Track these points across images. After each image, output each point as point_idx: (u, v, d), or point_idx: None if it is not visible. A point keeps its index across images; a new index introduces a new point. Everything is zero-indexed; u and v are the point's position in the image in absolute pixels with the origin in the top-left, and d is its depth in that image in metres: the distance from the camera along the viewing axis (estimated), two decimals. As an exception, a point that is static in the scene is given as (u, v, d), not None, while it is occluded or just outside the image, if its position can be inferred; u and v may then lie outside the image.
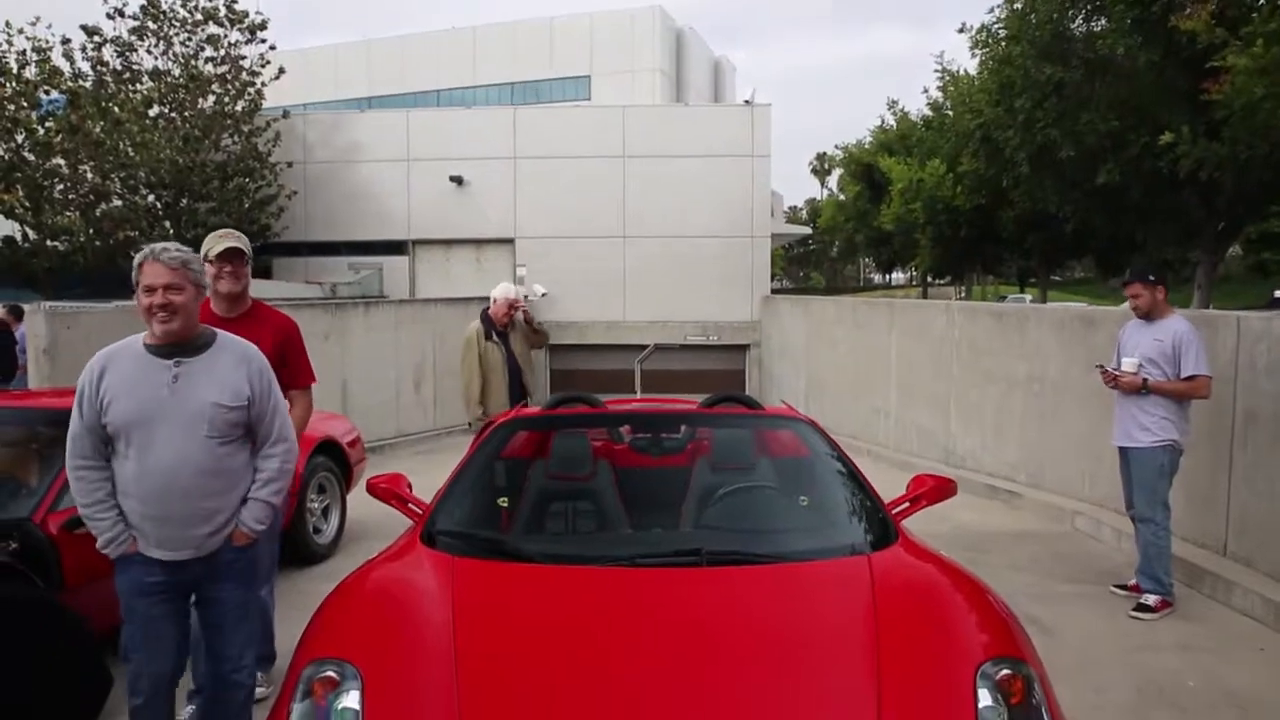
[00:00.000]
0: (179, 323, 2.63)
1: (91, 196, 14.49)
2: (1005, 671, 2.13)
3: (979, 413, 8.23)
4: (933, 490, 3.28)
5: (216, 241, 3.53)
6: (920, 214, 27.63)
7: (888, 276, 68.49)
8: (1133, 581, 5.13)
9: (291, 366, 3.67)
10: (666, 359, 12.44)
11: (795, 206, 68.33)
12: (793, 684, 2.15)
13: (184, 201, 15.35)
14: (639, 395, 8.92)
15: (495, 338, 6.54)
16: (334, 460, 5.95)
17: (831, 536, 2.98)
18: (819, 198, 64.54)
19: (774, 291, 17.35)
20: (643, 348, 10.73)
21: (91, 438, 2.62)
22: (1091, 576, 5.46)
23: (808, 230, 39.46)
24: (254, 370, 2.77)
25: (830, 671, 2.20)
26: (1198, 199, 14.41)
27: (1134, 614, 4.83)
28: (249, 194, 16.06)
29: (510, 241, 16.11)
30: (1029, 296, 8.30)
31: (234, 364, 2.74)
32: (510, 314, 6.63)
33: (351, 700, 2.05)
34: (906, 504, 3.29)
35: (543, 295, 6.65)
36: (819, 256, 69.36)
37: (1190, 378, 4.75)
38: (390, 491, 3.29)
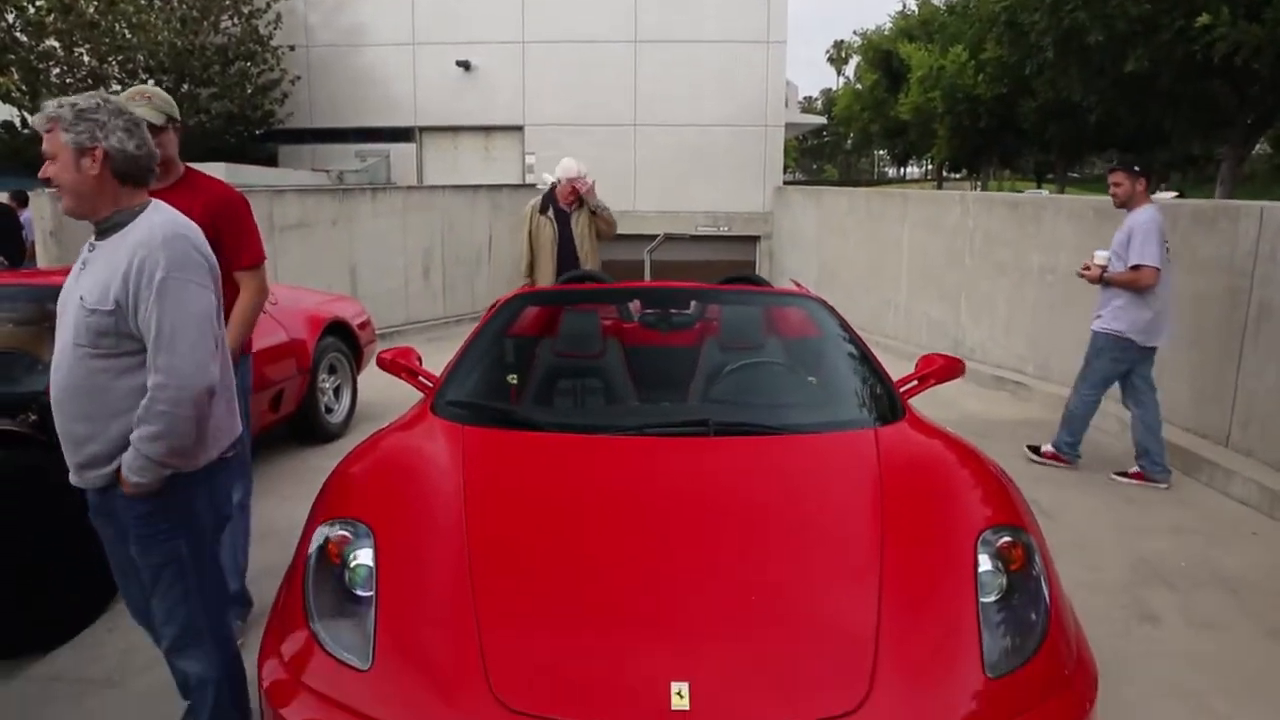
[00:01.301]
0: (68, 200, 2.11)
1: (89, 80, 14.17)
2: (1006, 539, 2.17)
3: (990, 304, 8.19)
4: (941, 369, 3.29)
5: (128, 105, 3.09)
6: (939, 103, 26.89)
7: (902, 170, 67.14)
8: (1135, 469, 5.25)
9: (231, 244, 3.05)
10: (677, 249, 12.34)
11: (810, 97, 66.53)
12: (797, 548, 2.20)
13: (185, 87, 15.02)
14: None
15: (551, 214, 6.36)
16: (344, 341, 5.99)
17: (839, 411, 3.00)
18: (835, 88, 62.77)
19: (786, 184, 17.03)
20: (653, 238, 10.65)
21: None
22: (1093, 464, 5.53)
23: (822, 120, 38.43)
24: (135, 265, 2.03)
25: (834, 537, 2.25)
26: (1230, 87, 13.92)
27: (1032, 457, 5.49)
28: (251, 79, 15.71)
29: (519, 129, 15.81)
30: (1045, 191, 8.12)
31: (123, 253, 2.07)
32: (574, 192, 6.35)
33: (365, 557, 2.11)
34: (914, 382, 3.30)
35: (551, 184, 6.49)
36: (833, 149, 67.99)
37: (1134, 267, 4.87)
38: (399, 364, 3.31)
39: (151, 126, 2.68)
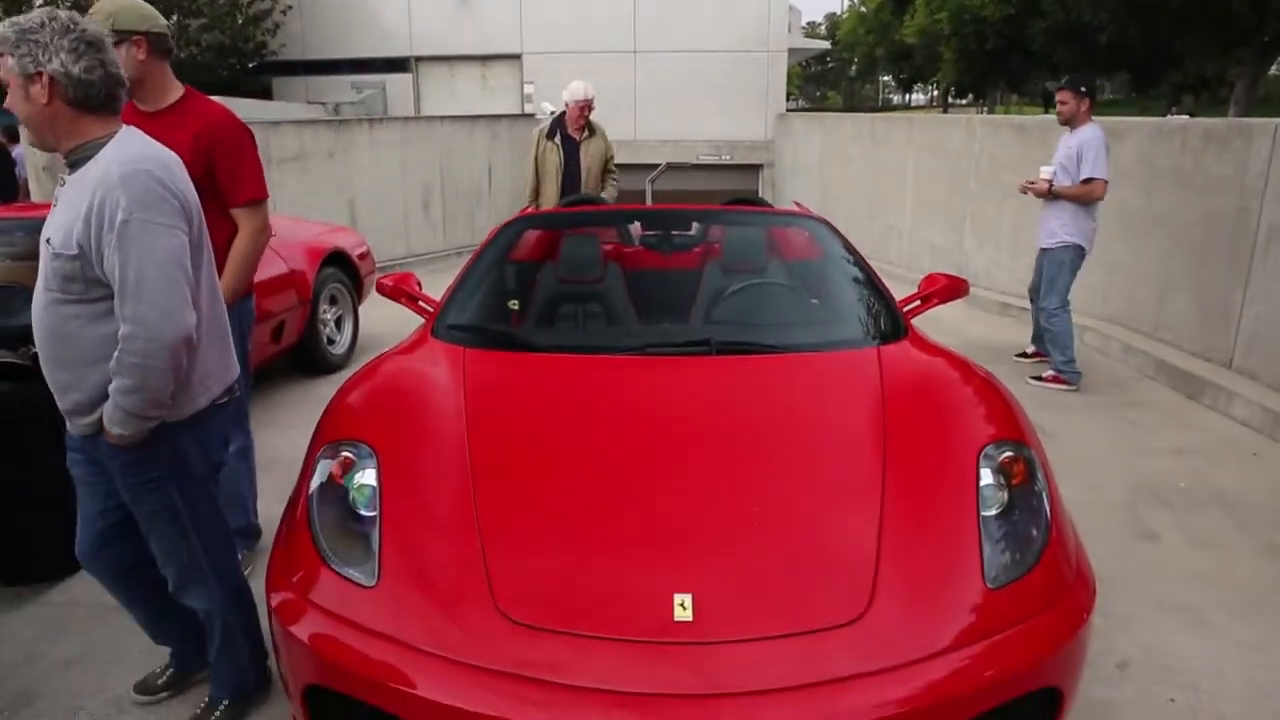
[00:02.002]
0: (30, 132, 1.96)
1: (72, 7, 13.85)
2: (1008, 454, 2.17)
3: (995, 229, 8.10)
4: (944, 289, 3.26)
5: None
6: (945, 25, 26.32)
7: (907, 97, 65.95)
8: (1033, 349, 5.96)
9: (227, 177, 2.74)
10: (678, 178, 12.18)
11: (814, 22, 64.96)
12: (799, 464, 2.21)
13: (174, 17, 14.69)
14: None
15: (559, 141, 6.22)
16: (344, 272, 5.96)
17: (841, 330, 2.98)
18: (839, 12, 61.25)
19: (789, 111, 16.75)
20: (654, 167, 10.50)
21: None
22: (1096, 388, 5.53)
23: (826, 45, 37.61)
24: (95, 206, 1.85)
25: (836, 453, 2.26)
26: (1247, 4, 13.56)
27: (1031, 380, 5.54)
28: (241, 9, 15.36)
29: (517, 57, 15.49)
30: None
31: (84, 191, 1.88)
32: (583, 116, 6.18)
33: (368, 478, 2.12)
34: (918, 302, 3.28)
35: (552, 114, 6.34)
36: (836, 75, 66.67)
37: (1086, 180, 5.22)
38: (399, 289, 3.29)
39: (121, 38, 2.52)
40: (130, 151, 1.93)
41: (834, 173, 11.60)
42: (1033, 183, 5.43)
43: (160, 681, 2.52)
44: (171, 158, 2.02)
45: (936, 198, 9.03)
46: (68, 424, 2.12)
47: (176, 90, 2.81)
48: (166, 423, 2.03)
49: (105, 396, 1.97)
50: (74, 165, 1.95)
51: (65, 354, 1.99)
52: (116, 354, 1.91)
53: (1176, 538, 3.52)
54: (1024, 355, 6.08)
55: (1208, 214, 5.54)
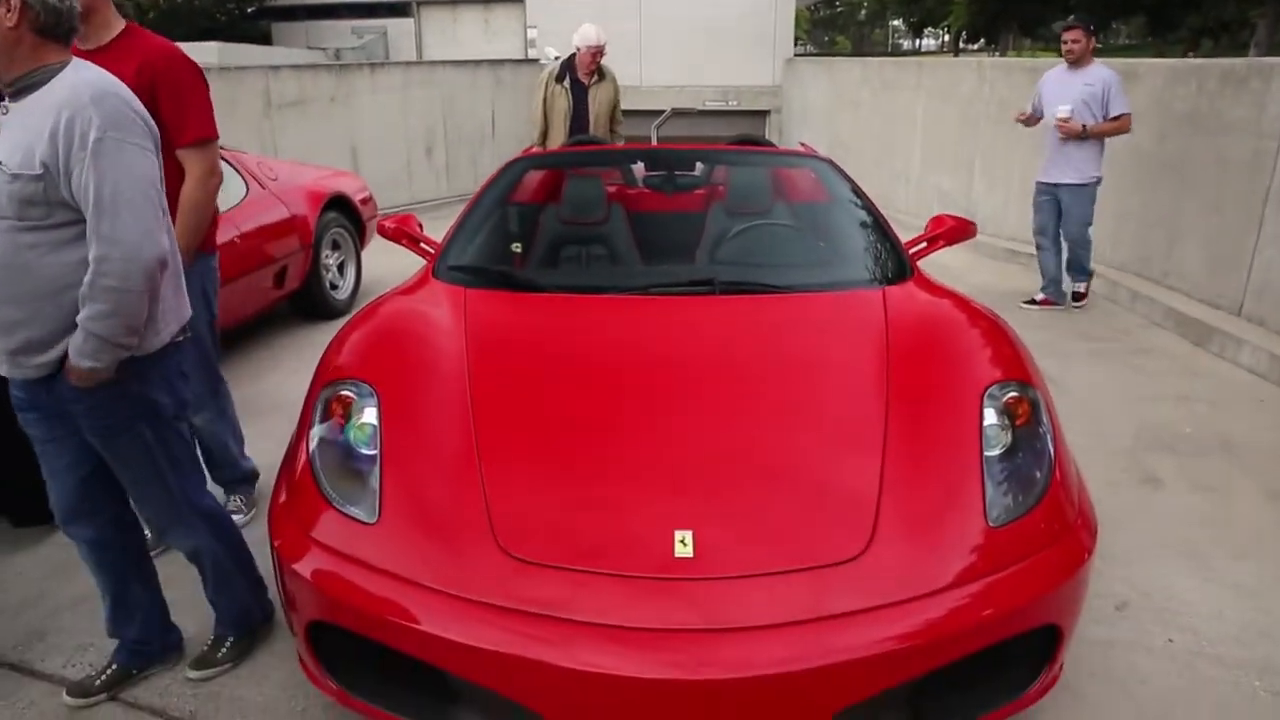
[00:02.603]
0: None
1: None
2: (1012, 394, 2.16)
3: (1005, 174, 8.00)
4: (951, 230, 3.22)
5: None
6: (959, -32, 25.70)
7: (917, 42, 64.71)
8: (1041, 296, 6.05)
9: (171, 114, 2.55)
10: (685, 125, 12.01)
11: (824, -35, 63.52)
12: (802, 404, 2.20)
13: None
14: None
15: (567, 84, 6.10)
16: (346, 217, 5.91)
17: (846, 270, 2.95)
18: (850, -46, 59.91)
19: (797, 56, 16.44)
20: (660, 113, 10.35)
21: None
22: (1103, 335, 5.50)
23: (837, -11, 36.86)
24: (63, 125, 1.79)
25: (840, 392, 2.24)
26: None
27: (1075, 305, 5.99)
28: (239, -52, 15.05)
29: (520, 1, 15.17)
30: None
31: (44, 114, 1.82)
32: (594, 61, 6.05)
33: (369, 416, 2.11)
34: (924, 244, 3.24)
35: (556, 59, 6.21)
36: (845, 20, 65.44)
37: (1117, 117, 5.48)
38: (400, 231, 3.26)
39: None
40: (95, 76, 1.89)
41: (842, 118, 11.43)
42: (1064, 121, 5.51)
43: (99, 682, 2.31)
44: (126, 87, 1.96)
45: (946, 143, 8.91)
46: (10, 368, 1.98)
47: (118, 25, 2.67)
48: (135, 357, 1.97)
49: (64, 332, 1.90)
50: (20, 93, 1.87)
51: (18, 288, 1.88)
52: (90, 278, 1.83)
53: (1179, 483, 3.51)
54: (1031, 302, 6.09)
55: (1221, 158, 5.45)
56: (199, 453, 2.99)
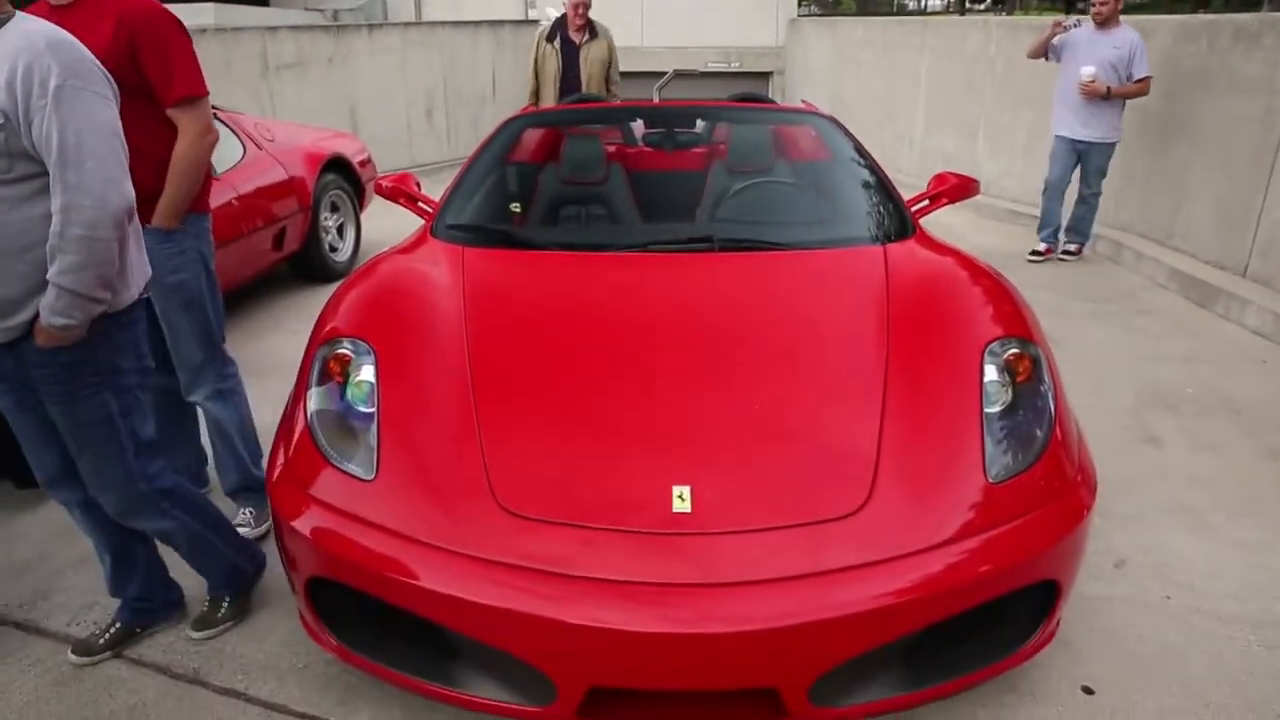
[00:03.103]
0: None
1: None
2: (1013, 351, 2.14)
3: (1009, 136, 7.91)
4: (954, 188, 3.18)
5: None
6: (966, -75, 25.20)
7: (923, 1, 63.69)
8: (1044, 247, 6.25)
9: (158, 72, 2.42)
10: (686, 87, 11.86)
11: (829, -78, 62.36)
12: (802, 361, 2.19)
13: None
14: None
15: (558, 44, 5.98)
16: (345, 178, 5.87)
17: (847, 227, 2.92)
18: (856, -89, 58.76)
19: (800, 16, 16.20)
20: (661, 75, 10.24)
21: None
22: (1106, 296, 5.47)
23: (841, -52, 36.23)
24: (20, 72, 1.72)
25: (839, 348, 2.23)
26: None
27: (1062, 256, 6.24)
28: (234, -95, 14.75)
29: (519, -42, 14.92)
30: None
31: (2, 59, 1.75)
32: (581, 17, 5.93)
33: (366, 374, 2.11)
34: (926, 201, 3.21)
35: (555, 19, 6.11)
36: (852, -20, 64.32)
37: (1140, 80, 5.60)
38: (398, 190, 3.23)
39: None
40: (44, 25, 1.81)
41: (846, 79, 11.29)
42: (1093, 81, 5.62)
43: (103, 640, 2.32)
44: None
45: (950, 104, 8.81)
46: None
47: None
48: (107, 314, 1.93)
49: (32, 292, 1.84)
50: None
51: None
52: (57, 229, 1.78)
53: (1180, 442, 3.51)
54: (1036, 254, 6.26)
55: (1231, 117, 5.38)
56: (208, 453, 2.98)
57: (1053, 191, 6.13)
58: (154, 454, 2.18)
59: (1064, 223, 6.25)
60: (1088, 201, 6.06)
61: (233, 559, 2.42)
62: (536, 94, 6.17)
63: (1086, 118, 5.77)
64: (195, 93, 2.50)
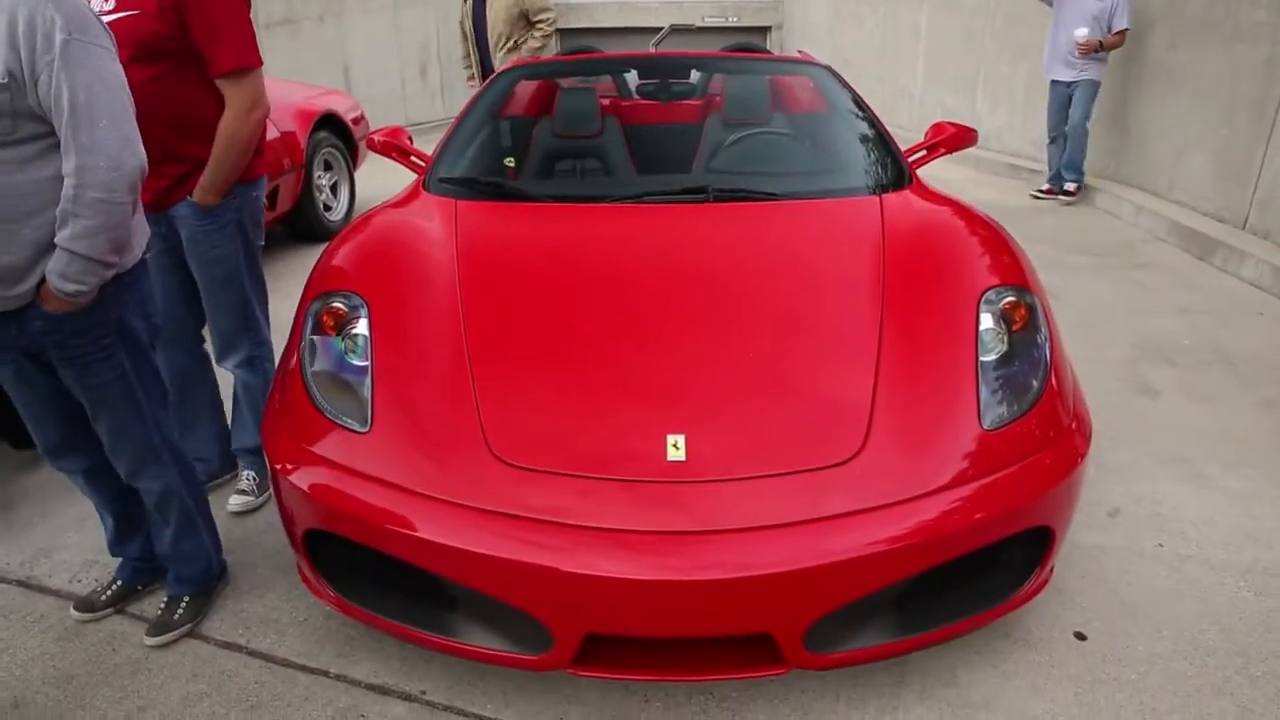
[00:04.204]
0: None
1: None
2: (1010, 299, 2.13)
3: (1009, 89, 7.83)
4: (952, 138, 3.15)
5: None
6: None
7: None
8: (1047, 186, 6.76)
9: (201, 37, 2.28)
10: (683, 42, 11.72)
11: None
12: (798, 311, 2.18)
13: None
14: None
15: None
16: (338, 136, 5.81)
17: (843, 178, 2.89)
18: None
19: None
20: (657, 30, 10.10)
21: None
22: (1105, 249, 5.45)
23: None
24: (23, 25, 1.63)
25: (834, 297, 2.22)
26: None
27: (1066, 200, 6.60)
28: None
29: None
30: None
31: None
32: None
33: (360, 327, 2.10)
34: (924, 152, 3.17)
35: None
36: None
37: (1119, 32, 6.09)
38: (391, 144, 3.20)
39: None
40: None
41: (845, 34, 11.14)
42: (1084, 43, 6.13)
43: (104, 597, 2.33)
44: None
45: (950, 57, 8.70)
46: None
47: None
48: (119, 275, 1.89)
49: (38, 257, 1.77)
50: None
51: None
52: (70, 192, 1.71)
53: (1176, 393, 3.52)
54: (1041, 193, 6.77)
55: (1234, 66, 5.32)
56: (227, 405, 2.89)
57: (1055, 135, 6.59)
58: (166, 408, 2.16)
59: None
60: (1074, 138, 6.43)
61: (210, 553, 2.35)
62: (469, 56, 5.78)
63: (1074, 62, 6.29)
64: (245, 63, 2.36)
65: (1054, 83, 6.46)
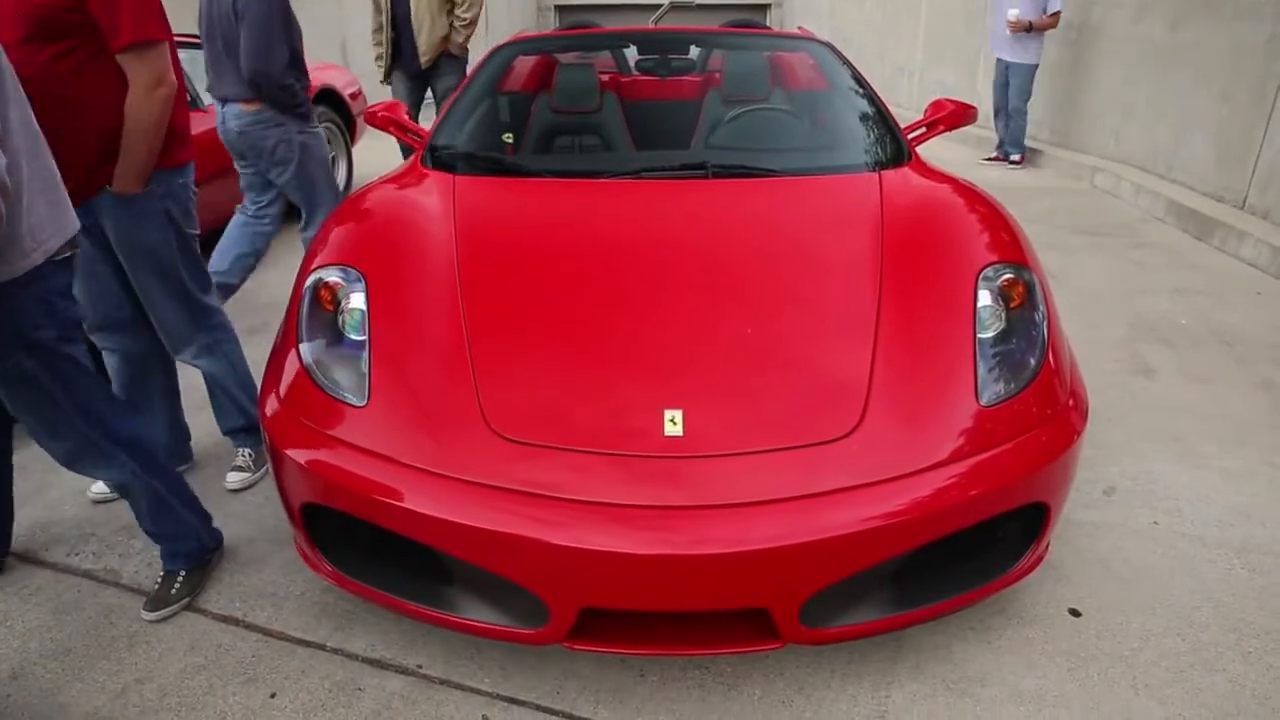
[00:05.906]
0: None
1: None
2: (1008, 276, 2.13)
3: (1010, 68, 7.78)
4: (951, 115, 3.13)
5: None
6: None
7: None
8: (995, 154, 7.30)
9: (99, 6, 2.10)
10: (682, 19, 11.62)
11: None
12: (795, 286, 2.18)
13: None
14: None
15: None
16: (335, 111, 5.76)
17: (842, 154, 2.88)
18: None
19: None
20: (655, 9, 10.02)
21: None
22: (1103, 229, 5.44)
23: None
24: None
25: (832, 273, 2.22)
26: None
27: (1012, 166, 7.12)
28: None
29: (509, -116, 14.47)
30: None
31: None
32: None
33: (358, 301, 2.09)
34: (923, 129, 3.16)
35: None
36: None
37: (1053, 14, 6.62)
38: (389, 119, 3.17)
39: None
40: None
41: (846, 12, 11.07)
42: (1016, 23, 6.65)
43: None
44: None
45: (951, 35, 8.65)
46: None
47: None
48: (2, 283, 1.78)
49: None
50: None
51: None
52: None
53: (1173, 373, 3.52)
54: (989, 160, 7.32)
55: (1235, 45, 5.29)
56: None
57: (999, 111, 7.15)
58: (104, 399, 2.07)
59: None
60: (1014, 118, 6.99)
61: (197, 528, 2.32)
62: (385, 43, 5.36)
63: (1013, 43, 6.80)
64: (147, 36, 2.17)
65: (997, 60, 7.03)
